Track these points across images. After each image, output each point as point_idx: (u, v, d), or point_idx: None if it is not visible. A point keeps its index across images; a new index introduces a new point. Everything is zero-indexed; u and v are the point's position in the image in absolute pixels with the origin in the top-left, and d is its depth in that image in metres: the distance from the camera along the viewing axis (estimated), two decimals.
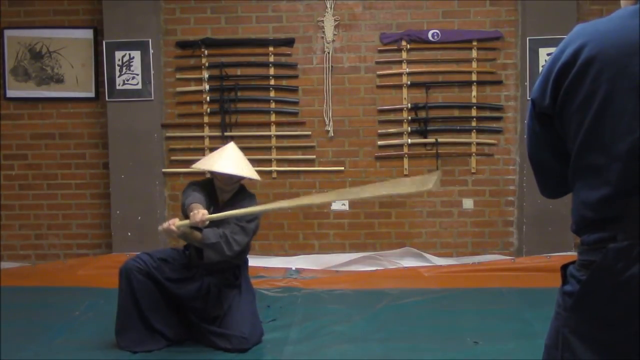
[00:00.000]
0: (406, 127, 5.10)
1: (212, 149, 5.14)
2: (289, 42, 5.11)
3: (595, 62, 1.32)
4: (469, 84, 5.07)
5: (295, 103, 5.15)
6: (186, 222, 3.07)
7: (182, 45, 5.13)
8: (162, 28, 5.14)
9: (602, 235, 1.33)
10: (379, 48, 5.09)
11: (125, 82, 5.00)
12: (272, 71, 5.15)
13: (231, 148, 3.49)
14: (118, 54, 4.97)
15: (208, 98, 5.13)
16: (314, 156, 5.16)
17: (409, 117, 5.09)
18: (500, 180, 5.14)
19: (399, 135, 5.12)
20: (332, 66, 5.07)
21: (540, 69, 4.83)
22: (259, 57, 5.15)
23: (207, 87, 5.11)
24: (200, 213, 2.99)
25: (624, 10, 1.37)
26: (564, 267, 1.45)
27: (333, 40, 5.07)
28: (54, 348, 3.39)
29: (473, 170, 5.13)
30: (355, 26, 5.10)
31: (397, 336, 3.49)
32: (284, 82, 5.16)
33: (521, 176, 5.00)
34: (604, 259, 1.31)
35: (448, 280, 4.59)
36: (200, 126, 5.19)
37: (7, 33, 5.22)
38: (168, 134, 5.19)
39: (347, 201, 5.15)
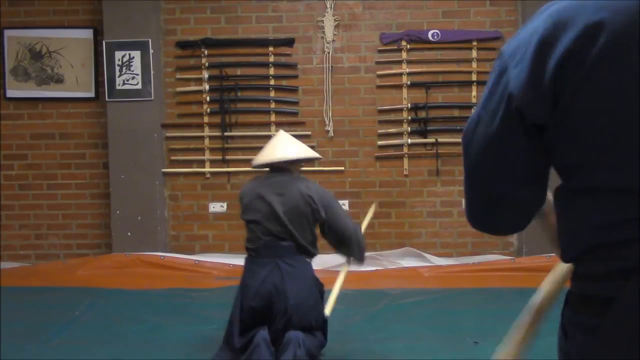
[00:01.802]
0: (406, 127, 5.10)
1: (212, 149, 5.15)
2: (289, 42, 5.11)
3: (623, 47, 0.91)
4: (469, 84, 5.07)
5: (295, 103, 5.15)
6: None
7: (182, 45, 5.13)
8: (162, 28, 5.14)
9: (623, 263, 0.94)
10: (379, 48, 5.09)
11: (125, 82, 4.99)
12: (272, 71, 5.15)
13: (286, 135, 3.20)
14: (118, 54, 4.97)
15: (208, 98, 5.13)
16: None
17: (409, 117, 5.09)
18: None
19: (399, 135, 5.12)
20: (332, 66, 5.07)
21: None
22: (259, 57, 5.15)
23: (207, 87, 5.12)
24: None
25: None
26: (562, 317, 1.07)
27: (333, 40, 5.07)
28: (54, 348, 3.38)
29: None
30: (355, 26, 5.10)
31: (397, 336, 3.49)
32: (284, 82, 5.16)
33: None
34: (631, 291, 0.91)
35: (448, 280, 4.59)
36: (200, 126, 5.19)
37: (7, 33, 5.22)
38: (168, 134, 5.18)
39: (347, 201, 5.15)
